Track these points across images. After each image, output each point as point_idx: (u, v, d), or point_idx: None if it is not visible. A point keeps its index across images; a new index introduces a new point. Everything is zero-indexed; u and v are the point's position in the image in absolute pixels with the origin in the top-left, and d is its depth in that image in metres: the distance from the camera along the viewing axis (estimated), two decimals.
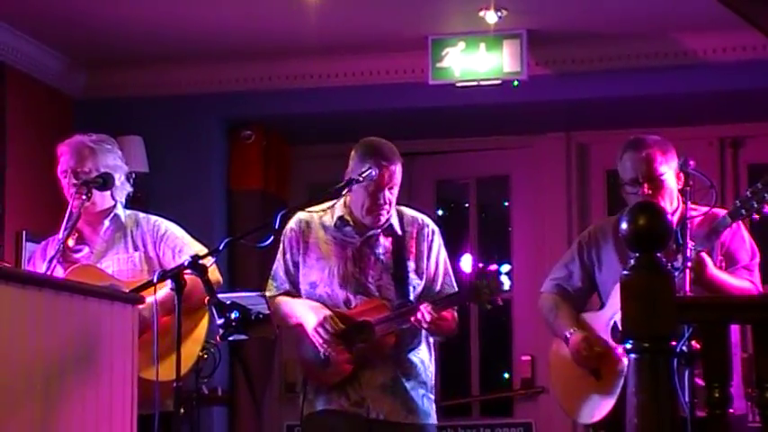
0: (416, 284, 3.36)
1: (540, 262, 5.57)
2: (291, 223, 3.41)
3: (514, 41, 4.84)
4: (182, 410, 3.40)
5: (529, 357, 5.43)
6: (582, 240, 3.47)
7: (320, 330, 3.24)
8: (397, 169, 3.34)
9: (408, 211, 3.46)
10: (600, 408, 3.26)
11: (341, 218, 3.37)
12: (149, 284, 3.04)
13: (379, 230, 3.37)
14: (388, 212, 3.34)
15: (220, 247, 3.16)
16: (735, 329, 2.94)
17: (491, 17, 4.62)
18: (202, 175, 5.39)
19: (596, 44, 5.02)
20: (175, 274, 3.01)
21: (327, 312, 3.27)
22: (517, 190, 5.68)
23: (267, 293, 3.44)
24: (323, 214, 3.40)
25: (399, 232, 3.38)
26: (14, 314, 2.41)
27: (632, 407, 1.90)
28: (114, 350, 2.79)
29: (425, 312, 3.19)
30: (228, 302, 3.05)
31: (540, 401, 5.40)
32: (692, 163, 3.14)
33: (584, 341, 3.28)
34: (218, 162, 5.47)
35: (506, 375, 5.66)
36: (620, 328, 2.62)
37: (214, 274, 3.33)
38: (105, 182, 3.44)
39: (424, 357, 3.39)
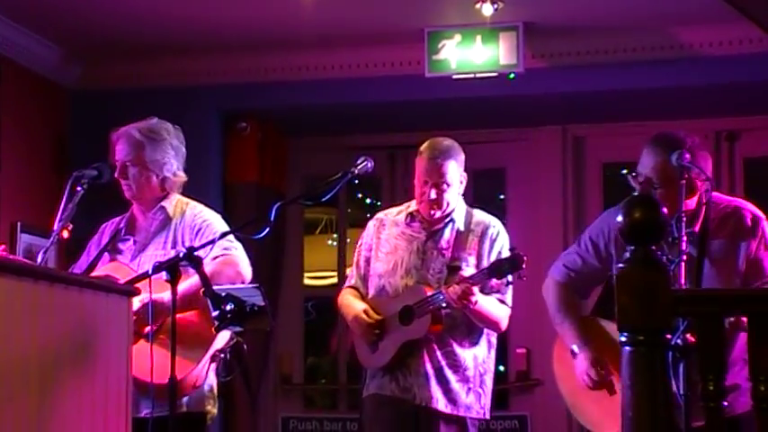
0: None
1: (535, 254, 5.55)
2: (369, 222, 3.74)
3: (511, 34, 4.85)
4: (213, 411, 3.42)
5: (524, 350, 5.45)
6: (600, 229, 3.38)
7: (355, 324, 3.57)
8: (447, 166, 3.46)
9: (480, 213, 3.61)
10: (611, 421, 3.17)
11: (410, 214, 3.59)
12: (144, 276, 3.04)
13: (443, 225, 3.52)
14: (440, 208, 3.49)
15: (216, 239, 3.18)
16: None
17: (487, 9, 4.63)
18: (198, 168, 5.26)
19: (592, 37, 5.02)
20: (170, 266, 3.01)
21: (363, 307, 3.56)
22: (513, 182, 5.69)
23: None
24: (397, 213, 3.65)
25: (462, 228, 3.52)
26: (9, 306, 2.38)
27: (627, 400, 1.90)
28: (110, 342, 2.78)
29: (453, 287, 3.33)
30: (224, 294, 3.05)
31: (536, 394, 5.43)
32: (687, 156, 3.08)
33: (593, 366, 3.26)
34: (214, 154, 5.46)
35: (501, 368, 5.67)
36: None
37: (246, 270, 3.41)
38: (100, 174, 3.44)
39: (478, 353, 3.54)
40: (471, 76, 4.95)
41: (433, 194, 3.46)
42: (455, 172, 3.48)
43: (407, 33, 4.97)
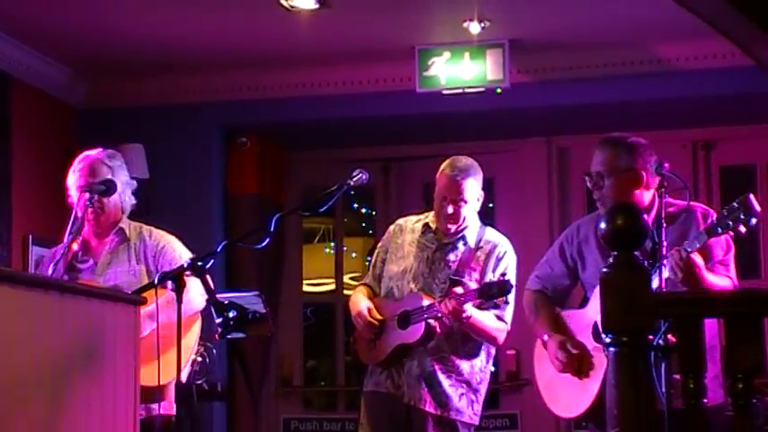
0: None
1: (523, 261, 5.71)
2: (390, 226, 3.86)
3: (497, 51, 4.97)
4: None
5: (514, 351, 5.54)
6: (565, 239, 3.54)
7: (358, 320, 3.71)
8: (465, 184, 3.56)
9: (492, 232, 3.72)
10: (578, 403, 3.36)
11: (426, 224, 3.71)
12: (151, 286, 3.10)
13: (455, 240, 3.64)
14: (456, 223, 3.61)
15: (218, 249, 3.22)
16: (713, 321, 2.96)
17: (474, 28, 4.74)
18: (201, 181, 5.47)
19: (575, 53, 5.15)
20: (175, 276, 3.06)
21: (367, 305, 3.69)
22: (501, 192, 5.78)
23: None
24: (416, 221, 3.77)
25: (471, 245, 3.64)
26: (22, 315, 2.43)
27: (612, 398, 1.95)
28: (117, 349, 2.82)
29: (446, 302, 3.46)
30: (226, 302, 3.15)
31: (525, 393, 5.51)
32: (666, 165, 3.21)
33: (560, 348, 3.38)
34: (215, 168, 5.55)
35: (492, 369, 5.80)
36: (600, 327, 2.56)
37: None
38: (108, 189, 3.53)
39: (475, 362, 3.67)
40: (460, 91, 5.06)
41: (450, 210, 3.57)
42: (473, 190, 3.59)
43: (399, 51, 5.07)
